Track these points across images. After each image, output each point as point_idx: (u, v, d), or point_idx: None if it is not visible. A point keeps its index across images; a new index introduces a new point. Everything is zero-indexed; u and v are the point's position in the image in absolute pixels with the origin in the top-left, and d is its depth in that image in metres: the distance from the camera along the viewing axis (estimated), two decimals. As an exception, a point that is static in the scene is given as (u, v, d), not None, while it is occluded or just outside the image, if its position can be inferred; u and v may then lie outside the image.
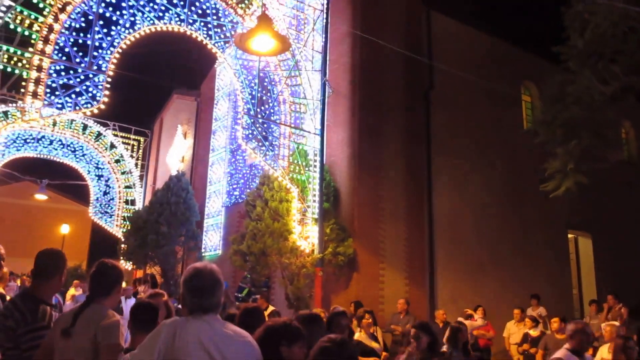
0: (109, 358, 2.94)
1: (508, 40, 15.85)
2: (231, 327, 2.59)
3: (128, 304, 10.86)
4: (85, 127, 19.57)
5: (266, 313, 10.00)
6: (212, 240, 18.42)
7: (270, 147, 12.33)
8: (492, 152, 14.73)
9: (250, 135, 12.13)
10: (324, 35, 13.05)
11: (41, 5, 9.98)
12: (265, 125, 12.52)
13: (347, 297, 11.98)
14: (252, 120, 12.21)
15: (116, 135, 20.87)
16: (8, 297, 4.98)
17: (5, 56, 9.56)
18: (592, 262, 16.56)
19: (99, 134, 20.12)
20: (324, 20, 13.11)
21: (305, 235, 12.03)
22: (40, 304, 3.49)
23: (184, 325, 2.46)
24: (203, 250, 18.50)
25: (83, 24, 10.41)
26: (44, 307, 3.48)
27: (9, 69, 9.66)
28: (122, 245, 18.65)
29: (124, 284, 5.78)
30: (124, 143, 21.18)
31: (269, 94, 13.29)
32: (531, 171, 12.89)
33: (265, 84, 13.27)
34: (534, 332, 10.61)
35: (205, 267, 2.64)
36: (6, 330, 3.39)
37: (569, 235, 16.48)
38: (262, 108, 13.22)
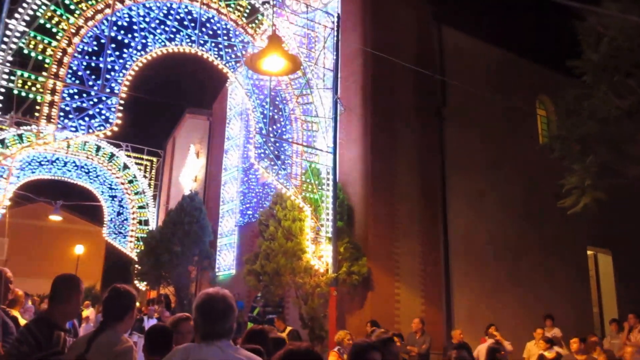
0: None
1: (521, 54, 15.74)
2: (243, 353, 2.58)
3: (149, 323, 10.81)
4: (98, 148, 19.72)
5: (284, 334, 9.93)
6: (226, 260, 18.35)
7: (283, 166, 12.27)
8: (507, 168, 14.56)
9: (262, 154, 12.09)
10: (335, 53, 13.04)
11: (54, 30, 10.10)
12: (277, 144, 12.48)
13: (362, 316, 11.80)
14: (264, 139, 12.18)
15: (129, 156, 21.00)
16: (22, 320, 4.95)
17: (20, 81, 9.64)
18: (613, 279, 16.21)
19: (112, 155, 20.26)
20: (335, 38, 13.11)
21: (319, 255, 11.90)
22: (54, 329, 3.47)
23: (197, 351, 2.48)
24: (217, 270, 18.44)
25: (95, 48, 10.52)
26: (58, 333, 3.47)
27: (23, 93, 9.74)
28: (136, 266, 18.64)
29: (137, 304, 5.73)
30: (137, 163, 21.30)
31: (280, 113, 13.28)
32: (548, 187, 12.67)
33: (276, 102, 13.27)
34: (549, 354, 10.27)
35: (217, 292, 2.64)
36: (21, 356, 3.37)
37: (589, 252, 16.16)
38: (274, 127, 13.21)
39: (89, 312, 15.54)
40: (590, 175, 8.96)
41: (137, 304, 7.87)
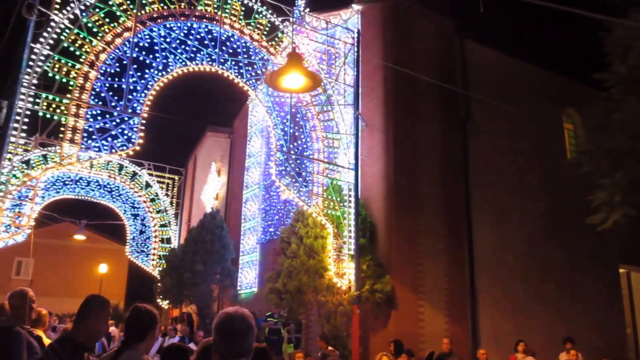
0: None
1: (546, 67, 15.51)
2: None
3: (169, 342, 10.73)
4: (121, 167, 19.91)
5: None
6: (248, 278, 18.28)
7: (304, 183, 12.21)
8: (534, 184, 14.27)
9: (283, 172, 12.06)
10: (355, 69, 13.01)
11: (78, 52, 10.25)
12: (298, 161, 12.45)
13: (385, 335, 11.59)
14: (285, 157, 12.15)
15: (151, 175, 21.16)
16: (46, 339, 4.94)
17: (45, 103, 9.77)
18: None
19: (135, 174, 20.43)
20: (355, 54, 13.09)
21: (342, 272, 11.77)
22: (79, 349, 3.48)
23: None
24: (239, 288, 18.36)
25: (118, 69, 10.64)
26: (82, 353, 3.48)
27: (48, 115, 9.86)
28: (158, 284, 18.67)
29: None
30: (158, 182, 21.44)
31: (301, 130, 13.26)
32: (577, 202, 12.36)
33: (297, 119, 13.25)
34: None
35: (237, 312, 2.60)
36: None
37: (621, 270, 15.68)
38: (295, 144, 13.18)
39: (114, 331, 15.56)
40: (620, 190, 8.66)
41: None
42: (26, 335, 4.21)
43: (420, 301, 12.09)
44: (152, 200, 21.06)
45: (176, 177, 22.63)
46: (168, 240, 21.30)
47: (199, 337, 11.85)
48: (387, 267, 12.00)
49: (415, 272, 12.20)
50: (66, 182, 19.12)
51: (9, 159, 9.59)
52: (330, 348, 10.31)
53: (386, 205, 12.58)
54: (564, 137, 15.90)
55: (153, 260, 20.94)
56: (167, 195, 21.66)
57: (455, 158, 13.42)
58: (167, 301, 18.41)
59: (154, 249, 21.00)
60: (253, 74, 12.55)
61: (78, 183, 19.35)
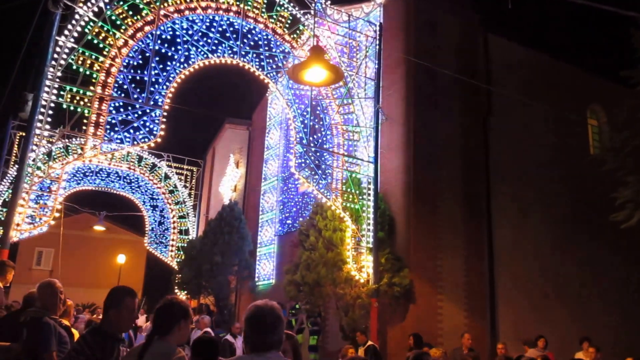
0: None
1: (571, 63, 15.30)
2: None
3: (195, 335, 10.79)
4: (140, 159, 20.09)
5: (363, 349, 9.76)
6: (265, 270, 18.38)
7: (323, 176, 12.21)
8: (556, 180, 14.12)
9: (303, 164, 12.07)
10: (376, 62, 12.94)
11: (101, 45, 10.33)
12: (317, 154, 12.44)
13: (403, 329, 11.60)
14: (304, 149, 12.15)
15: (170, 166, 21.32)
16: (74, 330, 5.02)
17: (69, 95, 9.87)
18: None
19: (154, 166, 20.61)
20: (377, 47, 13.02)
21: (360, 265, 11.78)
22: (109, 339, 3.55)
23: None
24: (256, 279, 18.47)
25: (140, 61, 10.71)
26: (112, 343, 3.56)
27: (72, 108, 9.97)
28: (177, 275, 18.84)
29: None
30: (177, 174, 21.61)
31: (321, 122, 13.25)
32: (599, 199, 12.22)
33: (317, 112, 13.24)
34: None
35: (267, 304, 2.67)
36: None
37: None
38: (315, 136, 13.17)
39: (140, 320, 15.73)
40: (646, 188, 8.59)
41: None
42: (56, 325, 4.27)
43: (439, 295, 12.07)
44: (171, 191, 21.23)
45: (194, 169, 22.79)
46: (186, 232, 21.48)
47: (236, 329, 11.52)
48: (406, 261, 11.98)
49: (434, 266, 12.17)
50: (86, 174, 19.36)
51: (33, 151, 9.71)
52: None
53: (405, 199, 12.54)
54: (587, 134, 15.70)
55: (171, 251, 21.15)
56: (185, 186, 21.84)
57: (477, 153, 13.32)
58: (185, 292, 18.59)
59: (173, 240, 21.19)
60: (274, 66, 12.56)
61: (98, 174, 19.58)
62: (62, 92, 9.81)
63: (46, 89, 9.50)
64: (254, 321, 2.61)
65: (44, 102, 9.46)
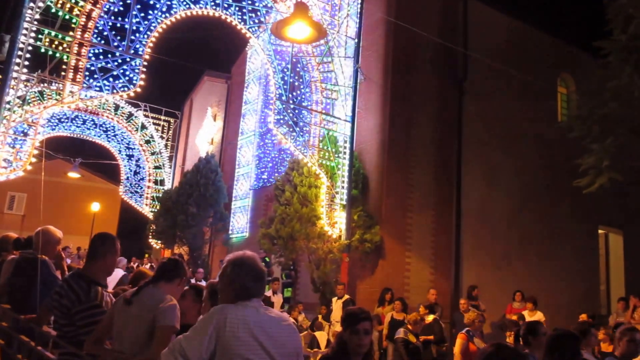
0: (163, 339, 3.04)
1: (546, 31, 15.51)
2: (274, 312, 2.68)
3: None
4: (117, 107, 19.87)
5: (341, 301, 10.32)
6: (240, 223, 18.66)
7: (301, 133, 12.38)
8: (524, 144, 14.55)
9: (281, 121, 12.20)
10: (357, 22, 12.99)
11: (82, -12, 10.16)
12: (296, 111, 12.57)
13: (372, 283, 12.09)
14: (283, 106, 12.26)
15: (147, 116, 21.14)
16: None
17: (47, 39, 9.75)
18: (622, 259, 16.33)
19: (131, 115, 20.42)
20: (358, 7, 13.03)
21: (333, 221, 12.12)
22: (92, 284, 3.65)
23: (234, 310, 2.49)
24: (230, 232, 18.76)
25: (121, 8, 10.56)
26: (95, 288, 3.64)
27: (50, 52, 9.86)
28: (152, 225, 19.01)
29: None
30: (154, 124, 21.46)
31: (300, 79, 13.32)
32: (564, 165, 12.70)
33: (297, 69, 13.29)
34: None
35: (252, 255, 2.72)
36: (62, 308, 3.59)
37: (600, 231, 16.24)
38: (294, 93, 13.26)
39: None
40: (609, 156, 8.98)
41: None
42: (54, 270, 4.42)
43: (407, 252, 12.51)
44: (147, 142, 21.12)
45: (172, 120, 22.64)
46: (162, 182, 21.51)
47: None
48: (377, 218, 12.36)
49: (404, 225, 12.58)
50: (62, 120, 19.11)
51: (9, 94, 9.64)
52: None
53: (380, 159, 12.84)
54: (557, 101, 16.11)
55: (146, 201, 21.21)
56: (162, 137, 21.74)
57: (450, 116, 13.61)
58: (160, 242, 18.82)
59: (148, 189, 21.24)
60: (256, 20, 12.51)
61: (74, 121, 19.34)
62: (40, 36, 9.68)
63: (24, 31, 9.37)
64: (241, 269, 2.61)
65: (21, 45, 9.35)
